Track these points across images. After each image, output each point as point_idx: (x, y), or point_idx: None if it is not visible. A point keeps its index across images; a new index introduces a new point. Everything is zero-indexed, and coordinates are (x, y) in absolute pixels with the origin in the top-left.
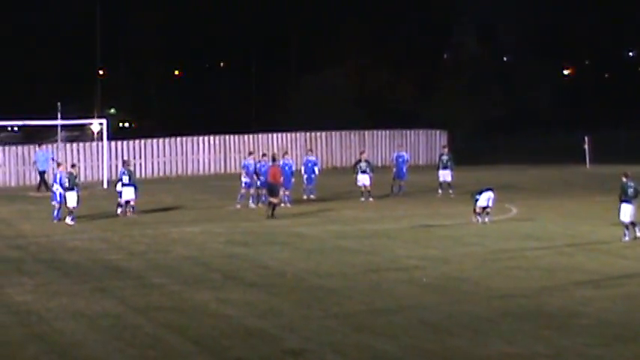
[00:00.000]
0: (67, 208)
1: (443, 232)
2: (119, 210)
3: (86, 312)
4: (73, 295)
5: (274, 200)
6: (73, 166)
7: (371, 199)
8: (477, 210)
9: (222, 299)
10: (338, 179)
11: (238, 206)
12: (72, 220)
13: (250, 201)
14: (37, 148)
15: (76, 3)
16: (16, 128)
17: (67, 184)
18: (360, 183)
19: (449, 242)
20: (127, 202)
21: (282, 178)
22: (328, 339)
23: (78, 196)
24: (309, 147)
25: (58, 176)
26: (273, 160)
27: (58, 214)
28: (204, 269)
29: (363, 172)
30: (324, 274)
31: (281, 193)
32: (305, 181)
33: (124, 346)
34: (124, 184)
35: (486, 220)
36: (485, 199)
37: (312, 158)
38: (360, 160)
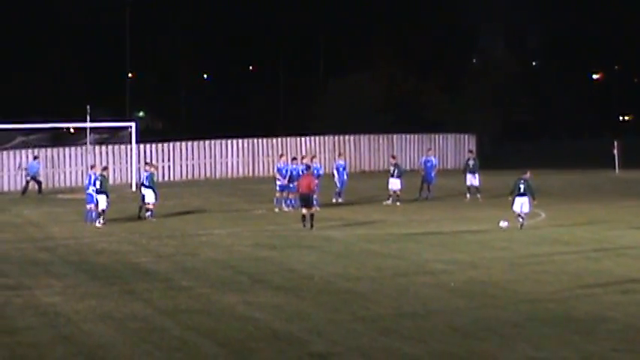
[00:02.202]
0: (97, 210)
1: (470, 237)
2: (147, 214)
3: (114, 314)
4: (101, 298)
5: (311, 210)
6: (104, 168)
7: (398, 203)
8: (516, 213)
9: (250, 302)
10: (366, 183)
11: (277, 210)
12: (101, 222)
13: (278, 203)
14: (32, 160)
15: (106, 6)
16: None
17: (98, 187)
18: (390, 187)
19: (476, 246)
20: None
21: (314, 188)
22: (355, 343)
23: (108, 199)
24: (340, 151)
25: (92, 178)
26: (307, 168)
27: (90, 215)
28: (232, 272)
29: (393, 175)
30: (352, 278)
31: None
32: (338, 184)
33: (152, 349)
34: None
35: (518, 225)
36: (519, 204)
37: (342, 162)
38: (390, 164)
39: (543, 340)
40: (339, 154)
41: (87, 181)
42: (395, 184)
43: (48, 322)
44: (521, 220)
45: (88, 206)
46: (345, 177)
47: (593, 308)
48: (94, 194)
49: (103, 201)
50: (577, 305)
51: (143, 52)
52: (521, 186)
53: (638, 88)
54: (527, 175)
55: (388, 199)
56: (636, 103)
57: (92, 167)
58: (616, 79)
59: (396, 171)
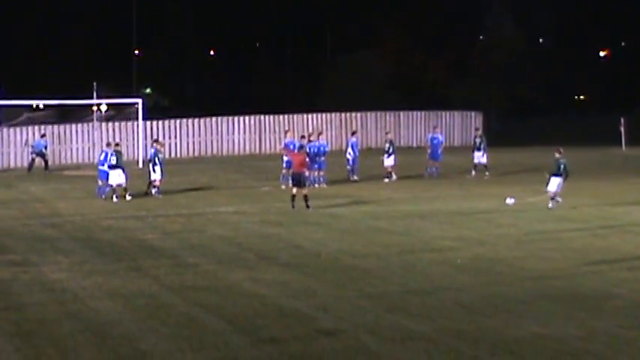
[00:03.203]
0: (114, 186)
1: (477, 214)
2: (153, 190)
3: (121, 291)
4: (107, 274)
5: (304, 190)
6: (117, 144)
7: (394, 177)
8: (550, 195)
9: (256, 279)
10: (373, 160)
11: (283, 187)
12: (116, 197)
13: (285, 180)
14: (40, 138)
15: None
16: (41, 105)
17: (114, 162)
18: (385, 164)
19: (483, 223)
20: (120, 185)
21: (306, 167)
22: (362, 319)
23: (125, 174)
24: (354, 129)
25: (108, 155)
26: (301, 147)
27: (102, 191)
28: (239, 249)
29: (387, 152)
30: (358, 255)
31: (315, 173)
32: (351, 162)
33: (159, 325)
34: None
35: (549, 205)
36: (556, 184)
37: (355, 140)
38: (385, 141)
39: (549, 317)
40: (353, 133)
41: (102, 158)
42: (389, 161)
43: (55, 298)
44: (557, 200)
45: (100, 182)
46: (357, 154)
47: (599, 285)
48: (108, 171)
49: (120, 176)
50: (583, 282)
51: (150, 29)
52: (561, 165)
53: None
54: (561, 153)
55: (386, 176)
56: None
57: (108, 145)
58: (623, 55)
59: (390, 148)
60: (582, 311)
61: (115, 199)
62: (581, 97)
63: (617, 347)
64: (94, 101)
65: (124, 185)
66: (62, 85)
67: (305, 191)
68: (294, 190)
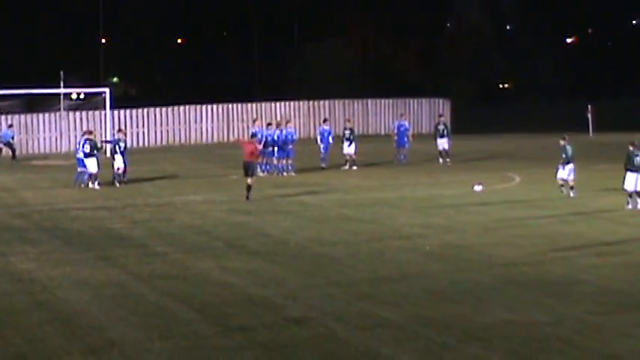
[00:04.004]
0: (93, 173)
1: (445, 201)
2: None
3: (89, 280)
4: (76, 264)
5: (248, 180)
6: (90, 132)
7: (355, 167)
8: (560, 182)
9: (225, 267)
10: (341, 148)
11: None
12: (98, 184)
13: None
14: (7, 128)
15: None
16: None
17: (88, 150)
18: (345, 152)
19: (451, 211)
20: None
21: (258, 156)
22: (331, 307)
23: (98, 162)
24: (325, 117)
25: (82, 143)
26: (253, 135)
27: (79, 178)
28: (207, 238)
29: (348, 140)
30: (327, 243)
31: (283, 161)
32: (322, 150)
33: (128, 315)
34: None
35: (571, 194)
36: (568, 171)
37: (327, 127)
38: (345, 128)
39: (518, 303)
40: (325, 120)
41: (78, 146)
42: (350, 148)
43: (23, 288)
44: (569, 189)
45: (79, 169)
46: (331, 141)
47: (568, 271)
48: (81, 159)
49: (94, 164)
50: (551, 268)
51: (116, 17)
52: (568, 152)
53: (611, 51)
54: (566, 140)
55: (345, 164)
56: (610, 66)
57: (85, 133)
58: (590, 42)
59: (351, 135)
60: (551, 297)
61: (97, 186)
62: (506, 85)
63: (585, 333)
64: (61, 90)
65: (95, 173)
66: (28, 73)
67: (250, 181)
68: (249, 180)
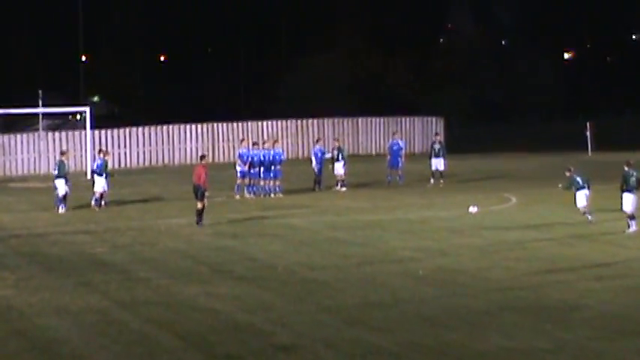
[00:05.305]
0: (57, 196)
1: (439, 223)
2: (93, 201)
3: (69, 307)
4: (55, 290)
5: (198, 205)
6: (63, 153)
7: (344, 188)
8: (582, 211)
9: (211, 293)
10: (330, 169)
11: (237, 197)
12: (62, 208)
13: (239, 190)
14: None
15: None
16: None
17: (56, 172)
18: (335, 172)
19: (445, 233)
20: (64, 196)
21: (206, 180)
22: (321, 334)
23: (67, 185)
24: (316, 136)
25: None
26: (202, 157)
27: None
28: (192, 262)
29: (337, 160)
30: (316, 267)
31: (270, 183)
32: (316, 171)
33: (109, 343)
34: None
35: (590, 218)
36: (583, 196)
37: (319, 147)
38: (333, 148)
39: (515, 329)
40: (317, 140)
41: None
42: (339, 168)
43: (0, 316)
44: (589, 217)
45: (56, 192)
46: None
47: (567, 296)
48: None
49: (62, 186)
50: (550, 293)
51: (97, 34)
52: (580, 179)
53: (610, 67)
54: (571, 171)
55: (336, 184)
56: (609, 82)
57: (100, 152)
58: (588, 57)
59: (340, 155)
60: (549, 323)
61: (61, 209)
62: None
63: None
64: (40, 110)
65: (63, 195)
66: (5, 93)
67: (199, 205)
68: (199, 204)
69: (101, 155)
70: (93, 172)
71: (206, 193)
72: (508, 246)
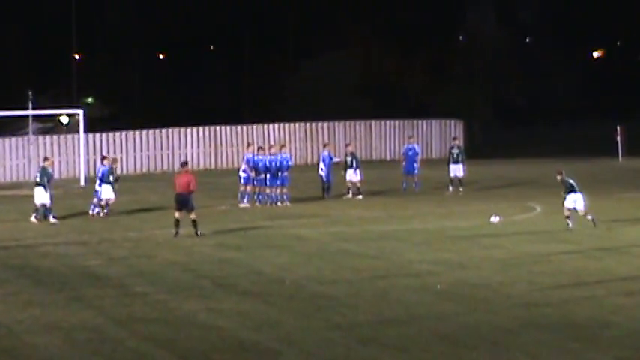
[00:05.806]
0: (36, 205)
1: (458, 234)
2: (95, 210)
3: (61, 324)
4: (46, 306)
5: (191, 216)
6: (45, 159)
7: (360, 196)
8: (566, 213)
9: (213, 309)
10: (341, 175)
11: (242, 205)
12: (35, 218)
13: (243, 198)
14: None
15: None
16: None
17: (38, 180)
18: (347, 179)
19: (465, 244)
20: (43, 205)
21: (193, 188)
22: (330, 353)
23: (50, 194)
24: (325, 141)
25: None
26: (184, 164)
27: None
28: (193, 276)
29: (351, 166)
30: (326, 281)
31: (277, 191)
32: (324, 178)
33: None
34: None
35: (589, 218)
36: (572, 200)
37: (327, 151)
38: (346, 154)
39: (540, 348)
40: (325, 144)
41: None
42: (353, 175)
43: None
44: (569, 223)
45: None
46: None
47: (595, 312)
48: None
49: (40, 195)
50: (577, 309)
51: (91, 31)
52: (572, 182)
53: None
54: (562, 174)
55: (348, 192)
56: None
57: (104, 159)
58: (619, 56)
59: (353, 161)
60: (576, 341)
61: (33, 219)
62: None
63: None
64: (30, 112)
65: (43, 204)
66: None
67: (193, 216)
68: (177, 214)
69: (105, 163)
70: (100, 180)
71: (193, 203)
72: (532, 258)
